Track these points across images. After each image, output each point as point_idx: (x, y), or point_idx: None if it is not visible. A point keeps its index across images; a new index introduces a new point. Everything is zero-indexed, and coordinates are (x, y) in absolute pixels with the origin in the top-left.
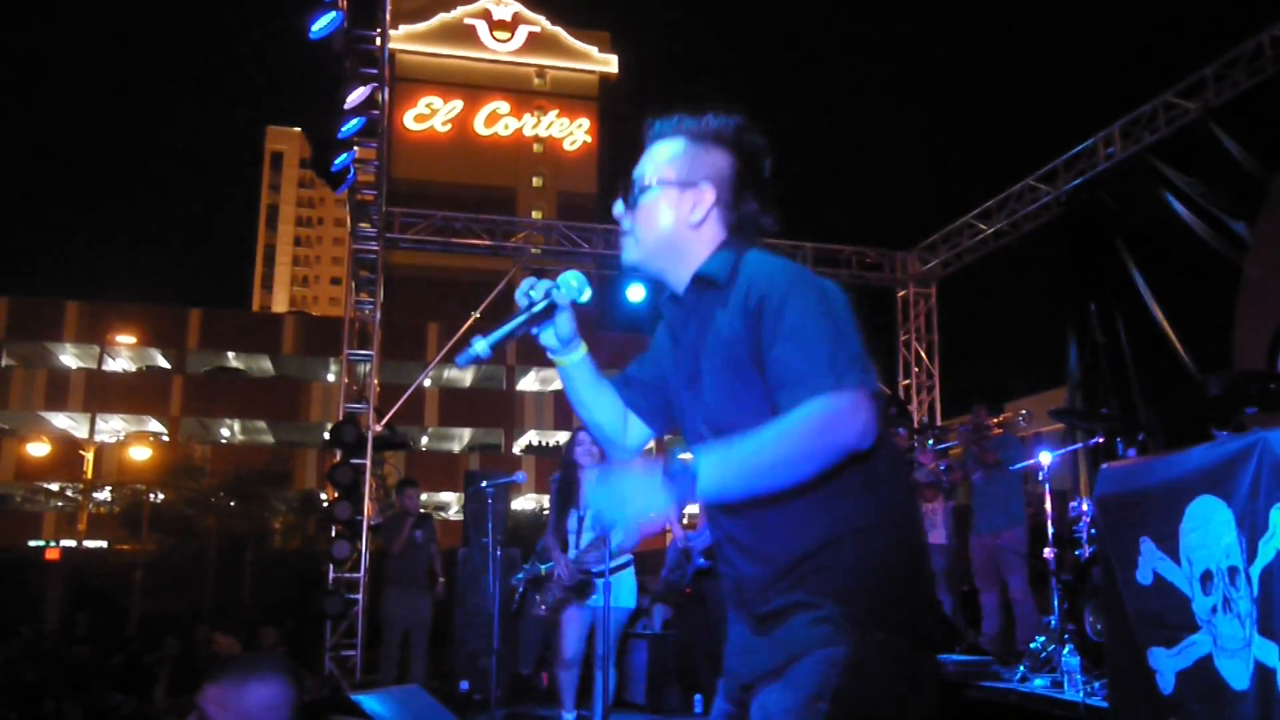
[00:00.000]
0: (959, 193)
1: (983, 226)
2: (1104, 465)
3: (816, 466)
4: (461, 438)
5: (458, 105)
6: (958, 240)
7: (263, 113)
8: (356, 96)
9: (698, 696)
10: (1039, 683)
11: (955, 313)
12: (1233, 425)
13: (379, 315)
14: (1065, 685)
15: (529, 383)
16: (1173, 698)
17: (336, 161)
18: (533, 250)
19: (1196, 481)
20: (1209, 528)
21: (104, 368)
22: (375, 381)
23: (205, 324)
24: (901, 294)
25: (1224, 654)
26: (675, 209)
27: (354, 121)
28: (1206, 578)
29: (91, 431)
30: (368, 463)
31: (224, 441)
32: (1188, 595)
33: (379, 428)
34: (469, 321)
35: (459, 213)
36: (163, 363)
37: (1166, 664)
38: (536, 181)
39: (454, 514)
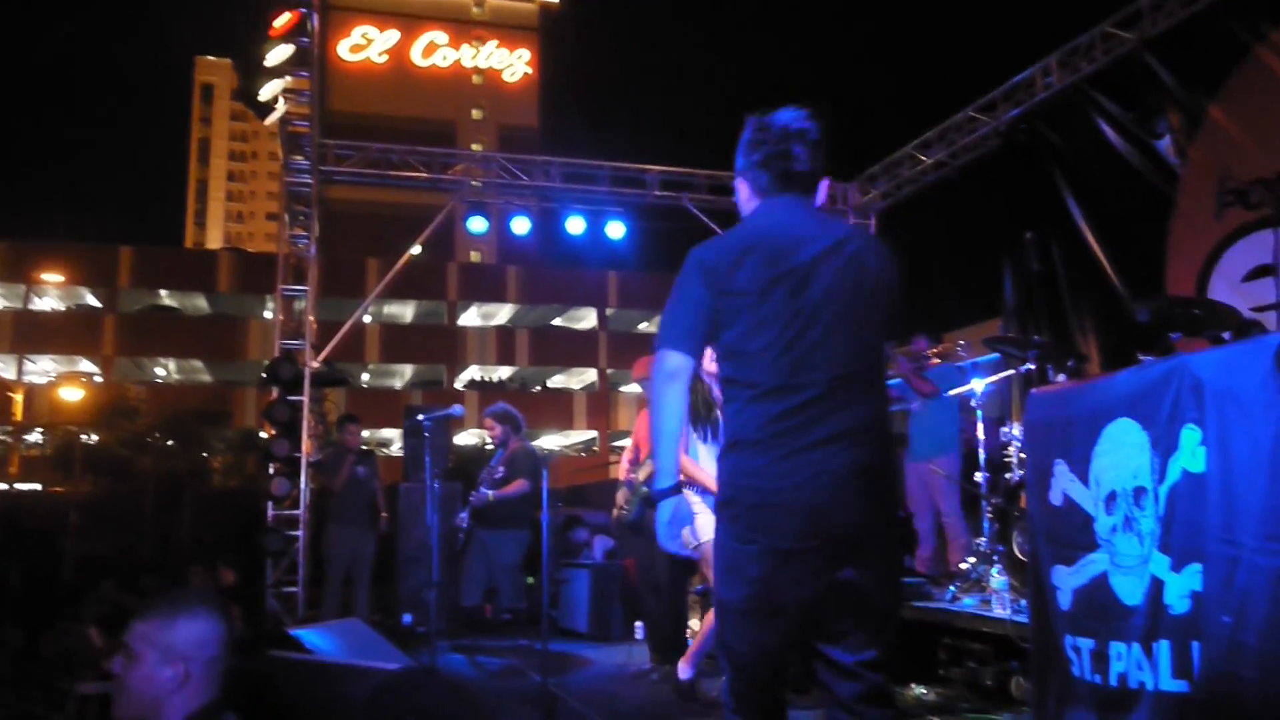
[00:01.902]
0: (900, 123)
1: (923, 157)
2: (1032, 391)
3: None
4: (404, 374)
5: (394, 35)
6: (898, 171)
7: (191, 42)
8: (283, 21)
9: (639, 623)
10: (968, 602)
11: (895, 243)
12: (1158, 350)
13: (314, 250)
14: (993, 604)
15: (471, 318)
16: (1069, 614)
17: (264, 89)
18: (473, 183)
19: (1117, 405)
20: (1121, 450)
21: (30, 307)
22: (312, 318)
23: (137, 262)
24: None
25: (1119, 571)
26: None
27: (281, 48)
28: (1111, 498)
29: (19, 372)
30: (305, 400)
31: (160, 381)
32: (1091, 515)
33: (316, 364)
34: (406, 255)
35: (396, 145)
36: (93, 302)
37: (1066, 581)
38: (476, 114)
39: (396, 450)
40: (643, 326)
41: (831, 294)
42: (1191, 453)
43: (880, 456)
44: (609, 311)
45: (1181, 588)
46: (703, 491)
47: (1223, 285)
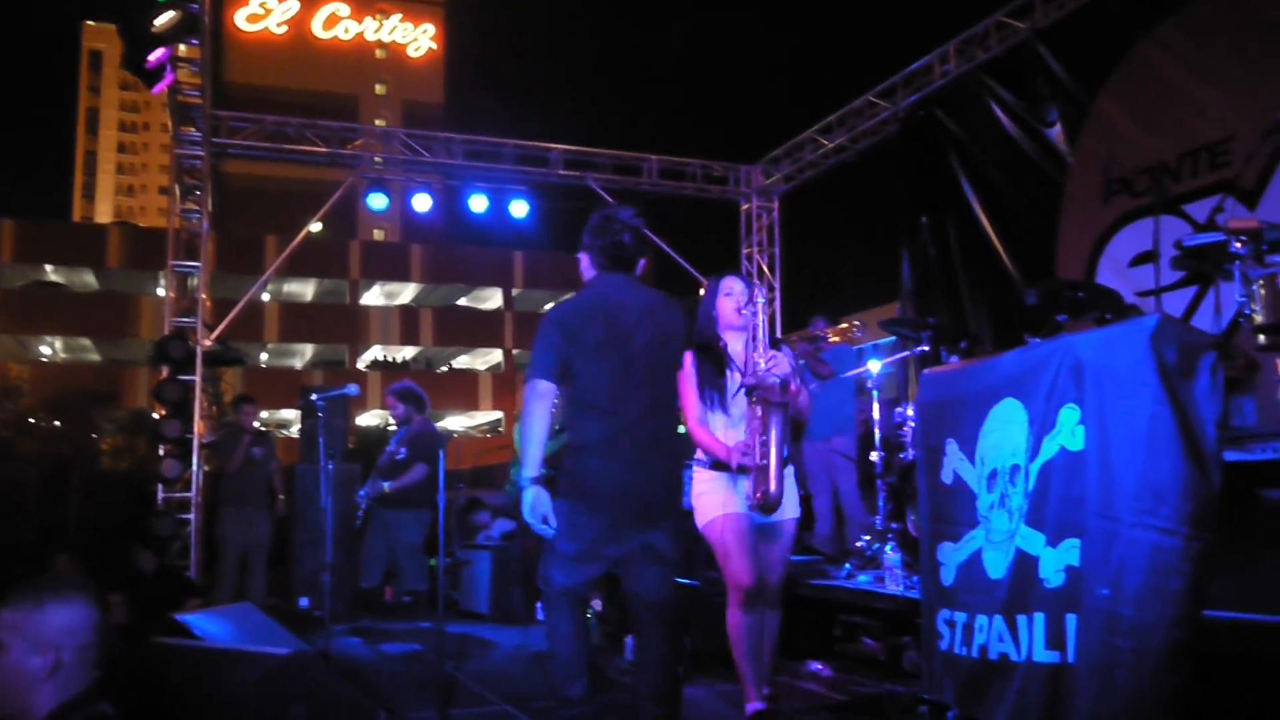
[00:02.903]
0: (803, 108)
1: (824, 141)
2: (924, 372)
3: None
4: (304, 354)
5: (294, 6)
6: (800, 154)
7: (79, 6)
8: None
9: (539, 604)
10: (863, 579)
11: (797, 227)
12: (1045, 332)
13: (206, 224)
14: (887, 580)
15: (373, 297)
16: (950, 589)
17: (151, 57)
18: (375, 159)
19: (1003, 385)
20: (1006, 429)
21: None
22: (205, 295)
23: (20, 235)
24: (745, 207)
25: (991, 546)
26: None
27: (168, 13)
28: (992, 476)
29: None
30: (197, 379)
31: (45, 360)
32: (975, 493)
33: (209, 343)
34: (303, 231)
35: (292, 117)
36: None
37: (951, 557)
38: (380, 89)
39: (296, 432)
40: (549, 307)
41: (646, 348)
42: (1070, 431)
43: (672, 461)
44: (514, 291)
45: (1057, 562)
46: (712, 466)
47: (1109, 270)
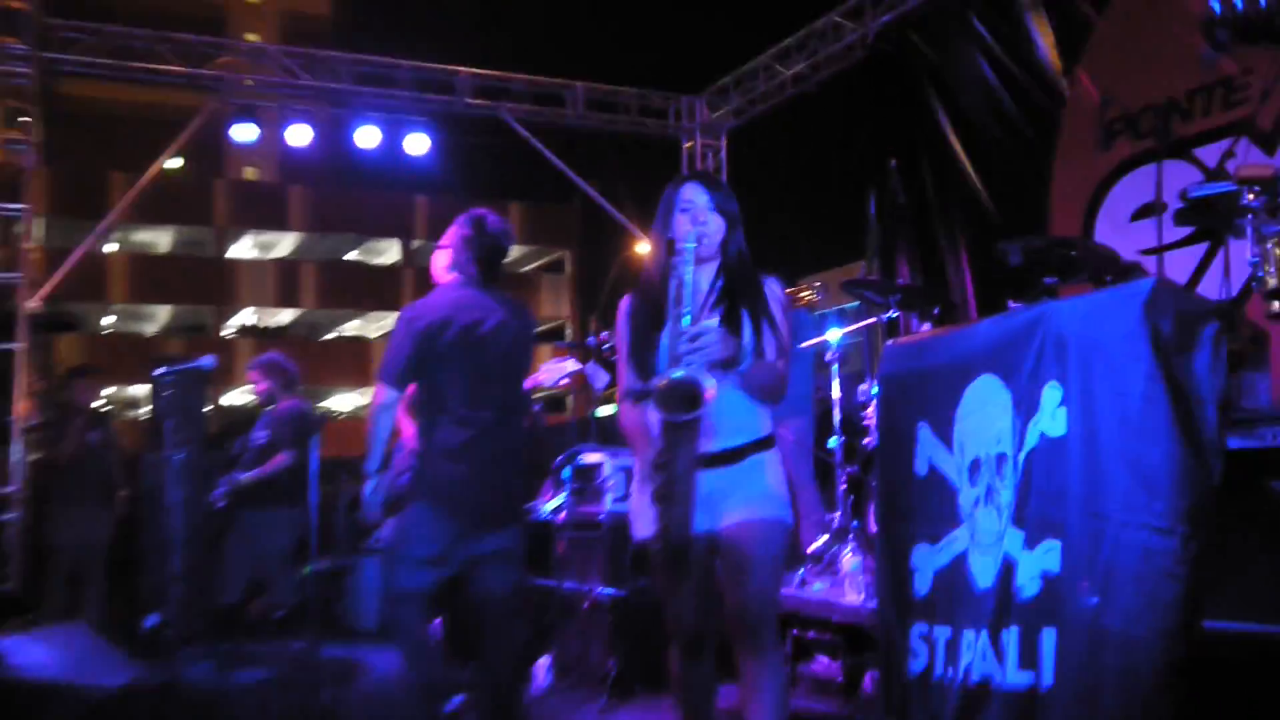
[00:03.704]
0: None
1: (780, 69)
2: (888, 342)
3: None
4: (158, 317)
5: None
6: (752, 84)
7: None
8: None
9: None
10: (818, 586)
11: (747, 169)
12: (1031, 297)
13: (35, 157)
14: (846, 588)
15: (244, 249)
16: (925, 599)
17: None
18: (244, 81)
19: (979, 359)
20: (986, 411)
21: None
22: (32, 244)
23: None
24: (687, 145)
25: (978, 550)
26: None
27: None
28: (975, 467)
29: None
30: (21, 348)
31: None
32: (956, 487)
33: (37, 303)
34: (156, 167)
35: (142, 29)
36: None
37: (927, 562)
38: None
39: (147, 413)
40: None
41: (500, 352)
42: (1051, 415)
43: (520, 464)
44: (415, 244)
45: (1032, 568)
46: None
47: (1108, 224)
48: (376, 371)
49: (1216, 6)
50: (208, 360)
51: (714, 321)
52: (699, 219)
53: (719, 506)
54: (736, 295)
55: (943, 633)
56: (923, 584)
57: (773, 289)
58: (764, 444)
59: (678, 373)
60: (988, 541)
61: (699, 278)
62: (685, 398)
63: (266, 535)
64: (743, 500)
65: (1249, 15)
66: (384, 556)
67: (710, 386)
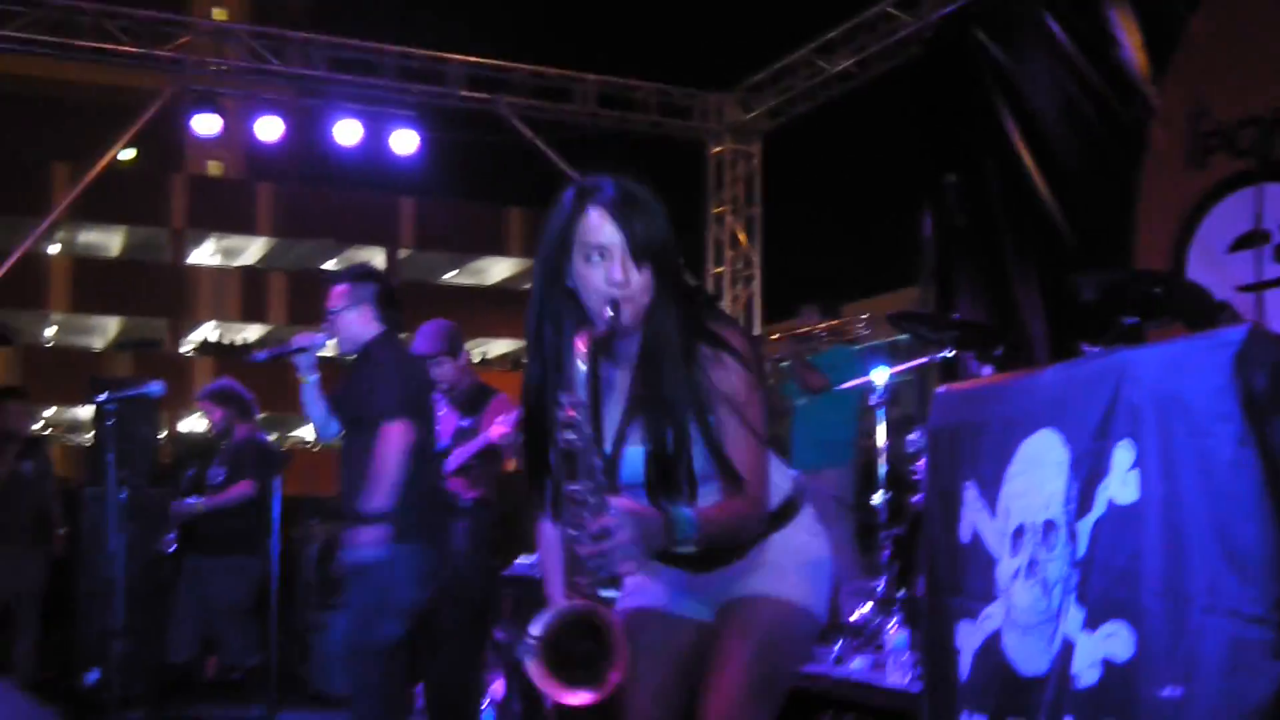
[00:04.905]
0: (796, 19)
1: (824, 65)
2: (939, 389)
3: None
4: (105, 329)
5: None
6: (791, 82)
7: None
8: None
9: (419, 686)
10: (857, 664)
11: (784, 180)
12: (1108, 339)
13: None
14: (889, 666)
15: (204, 254)
16: (968, 685)
17: None
18: (208, 65)
19: (1039, 412)
20: (1037, 471)
21: None
22: None
23: None
24: (715, 150)
25: (1014, 630)
26: None
27: None
28: (1018, 535)
29: None
30: None
31: None
32: (995, 557)
33: None
34: (109, 157)
35: (90, 1)
36: None
37: (968, 642)
38: None
39: (91, 439)
40: (449, 277)
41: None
42: (1121, 479)
43: None
44: (401, 254)
45: (1093, 653)
46: None
47: (1201, 255)
48: (386, 408)
49: None
50: (155, 386)
51: (637, 452)
52: (614, 276)
53: (717, 592)
54: (668, 395)
55: None
56: (965, 666)
57: (725, 363)
58: (776, 519)
59: (559, 612)
60: (1030, 621)
61: (612, 373)
62: (583, 627)
63: (221, 585)
64: (742, 577)
65: None
66: (358, 610)
67: (618, 587)
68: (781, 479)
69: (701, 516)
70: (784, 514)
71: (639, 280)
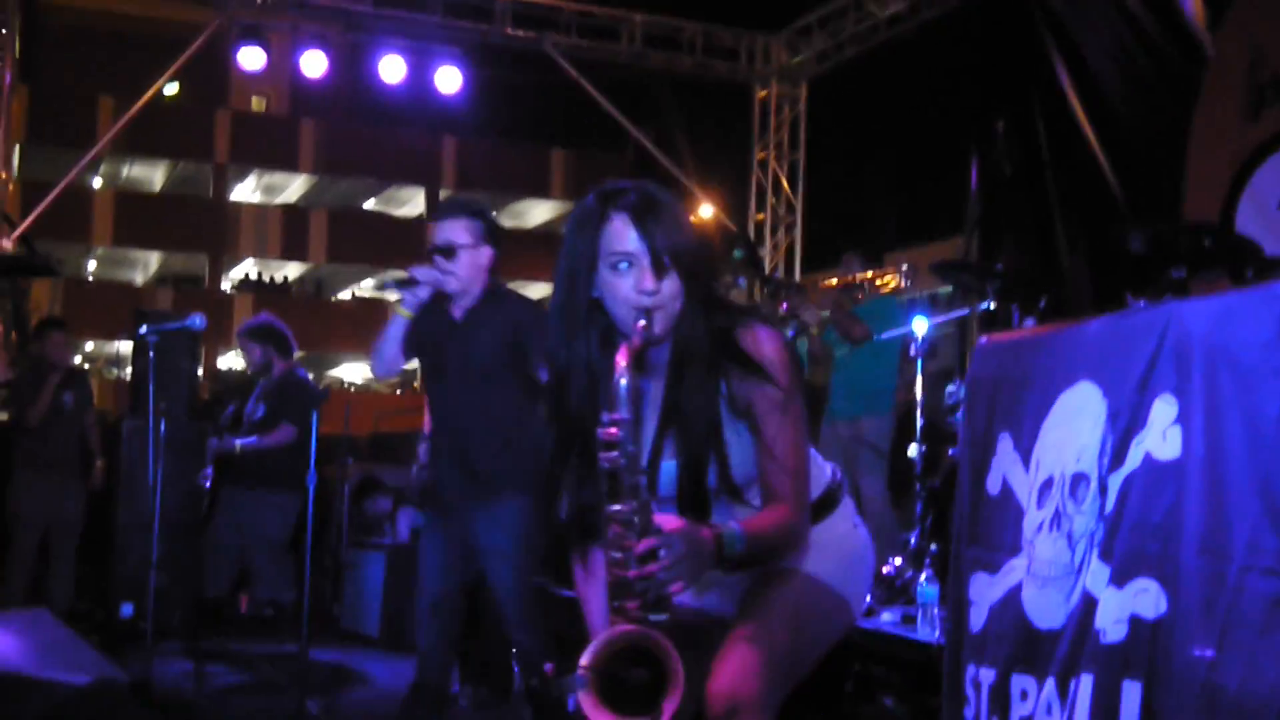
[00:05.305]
0: None
1: (874, 8)
2: (980, 339)
3: None
4: (147, 264)
5: None
6: (840, 25)
7: None
8: None
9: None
10: (887, 617)
11: (829, 125)
12: (1155, 291)
13: (10, 76)
14: (920, 620)
15: (246, 190)
16: (978, 637)
17: None
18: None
19: (1081, 364)
20: (1073, 423)
21: None
22: (6, 174)
23: None
24: (761, 94)
25: (1035, 583)
26: None
27: None
28: (1046, 487)
29: None
30: None
31: None
32: (1024, 509)
33: (9, 242)
34: (153, 90)
35: None
36: None
37: (984, 594)
38: None
39: (130, 372)
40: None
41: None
42: (1161, 433)
43: None
44: (442, 193)
45: (1120, 609)
46: None
47: (1252, 210)
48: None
49: None
50: (197, 319)
51: (672, 465)
52: (645, 285)
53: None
54: (701, 406)
55: (987, 676)
56: (978, 619)
57: (760, 367)
58: (817, 510)
59: (609, 639)
60: (1051, 574)
61: (644, 384)
62: (636, 653)
63: (259, 521)
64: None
65: None
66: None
67: (667, 610)
68: (820, 471)
69: (748, 531)
70: (825, 504)
71: (669, 288)
